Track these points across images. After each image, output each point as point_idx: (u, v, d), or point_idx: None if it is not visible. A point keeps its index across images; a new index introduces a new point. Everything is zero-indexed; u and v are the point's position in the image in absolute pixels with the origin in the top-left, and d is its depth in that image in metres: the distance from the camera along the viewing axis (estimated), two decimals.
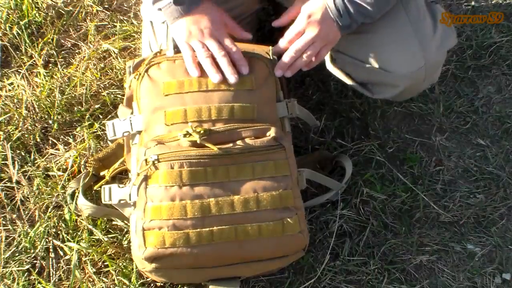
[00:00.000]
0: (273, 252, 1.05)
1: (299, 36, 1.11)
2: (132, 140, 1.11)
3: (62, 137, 1.36)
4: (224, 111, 1.05)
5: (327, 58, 1.29)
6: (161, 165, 1.01)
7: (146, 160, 1.02)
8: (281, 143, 1.05)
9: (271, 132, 1.05)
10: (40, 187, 1.27)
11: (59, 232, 1.23)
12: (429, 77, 1.19)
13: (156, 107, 1.07)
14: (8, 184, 1.29)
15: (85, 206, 1.20)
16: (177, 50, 1.12)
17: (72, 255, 1.18)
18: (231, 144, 1.03)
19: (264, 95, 1.10)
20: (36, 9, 1.53)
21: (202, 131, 1.02)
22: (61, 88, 1.41)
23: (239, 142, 1.03)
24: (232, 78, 1.06)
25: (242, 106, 1.06)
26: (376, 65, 1.16)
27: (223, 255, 1.02)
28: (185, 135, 1.02)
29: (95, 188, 1.23)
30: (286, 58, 1.12)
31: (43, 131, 1.37)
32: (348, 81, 1.26)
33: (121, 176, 1.28)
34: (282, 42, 1.13)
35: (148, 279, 1.17)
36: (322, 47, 1.13)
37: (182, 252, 0.99)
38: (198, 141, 1.01)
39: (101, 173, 1.24)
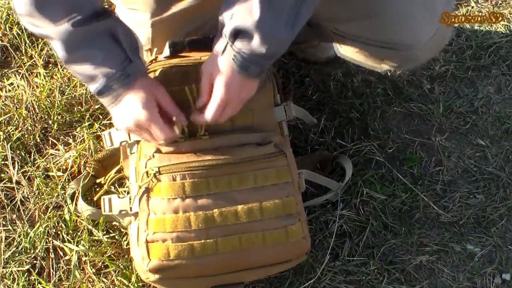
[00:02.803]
0: (277, 258, 1.05)
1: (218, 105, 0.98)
2: (130, 149, 1.10)
3: (62, 137, 1.36)
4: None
5: (337, 47, 1.26)
6: (163, 178, 1.00)
7: (147, 172, 1.01)
8: (282, 150, 1.04)
9: (272, 139, 1.04)
10: (40, 187, 1.27)
11: (59, 232, 1.23)
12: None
13: None
14: (8, 185, 1.29)
15: (85, 208, 1.20)
16: (173, 50, 1.09)
17: (72, 255, 1.19)
18: (232, 155, 1.02)
19: (262, 101, 1.08)
20: None
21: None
22: (61, 89, 1.41)
23: (240, 151, 1.03)
24: None
25: (242, 113, 1.03)
26: (389, 39, 1.12)
27: (228, 264, 1.02)
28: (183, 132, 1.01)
29: (95, 199, 1.23)
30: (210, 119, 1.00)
31: (43, 131, 1.37)
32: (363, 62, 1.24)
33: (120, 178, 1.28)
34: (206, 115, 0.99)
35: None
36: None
37: (187, 263, 0.99)
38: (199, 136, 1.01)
39: (98, 181, 1.24)
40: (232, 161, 1.01)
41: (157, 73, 1.07)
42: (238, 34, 0.90)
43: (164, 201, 0.99)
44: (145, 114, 0.95)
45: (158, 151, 1.02)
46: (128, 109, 0.96)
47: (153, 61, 1.11)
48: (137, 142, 1.07)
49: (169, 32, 1.14)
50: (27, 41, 1.48)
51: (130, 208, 1.05)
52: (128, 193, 1.17)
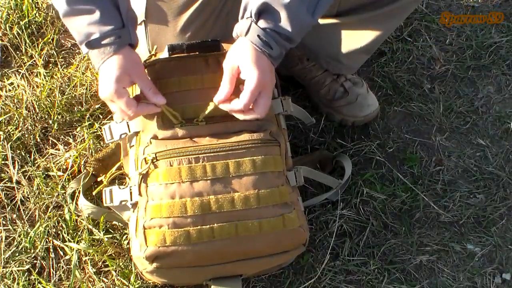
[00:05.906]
0: (274, 247, 1.05)
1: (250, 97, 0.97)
2: (129, 143, 1.11)
3: (62, 137, 1.36)
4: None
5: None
6: (160, 163, 1.01)
7: (145, 159, 1.02)
8: (276, 139, 1.05)
9: (268, 128, 1.05)
10: (40, 187, 1.27)
11: (59, 232, 1.23)
12: None
13: None
14: (8, 184, 1.29)
15: (85, 206, 1.20)
16: (172, 52, 1.11)
17: (72, 255, 1.19)
18: (228, 140, 1.03)
19: None
20: (36, 9, 1.53)
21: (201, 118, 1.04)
22: (61, 88, 1.41)
23: (236, 137, 1.03)
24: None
25: None
26: None
27: (224, 252, 1.02)
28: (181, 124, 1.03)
29: (94, 193, 1.23)
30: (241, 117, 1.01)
31: (43, 131, 1.37)
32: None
33: (120, 176, 1.28)
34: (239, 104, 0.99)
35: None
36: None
37: (183, 250, 0.99)
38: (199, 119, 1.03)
39: (99, 179, 1.24)
40: (228, 146, 1.02)
41: (156, 66, 1.09)
42: (263, 12, 0.93)
43: (162, 187, 1.00)
44: (114, 87, 0.97)
45: (155, 137, 1.03)
46: (108, 76, 0.97)
47: (153, 56, 1.13)
48: (136, 133, 1.08)
49: (164, 3, 1.14)
50: (27, 41, 1.48)
51: (131, 197, 1.05)
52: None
